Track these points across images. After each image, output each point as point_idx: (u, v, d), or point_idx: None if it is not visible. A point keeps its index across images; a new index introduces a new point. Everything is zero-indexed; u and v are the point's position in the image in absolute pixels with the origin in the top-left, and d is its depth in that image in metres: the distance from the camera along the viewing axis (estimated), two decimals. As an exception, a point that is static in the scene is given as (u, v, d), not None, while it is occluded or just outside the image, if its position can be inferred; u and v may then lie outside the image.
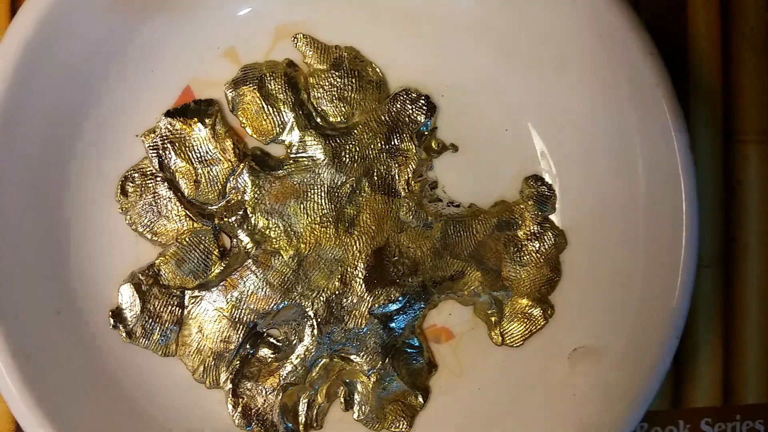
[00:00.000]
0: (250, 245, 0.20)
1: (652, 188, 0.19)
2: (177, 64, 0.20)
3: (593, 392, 0.19)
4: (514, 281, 0.21)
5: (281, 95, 0.20)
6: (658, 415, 0.25)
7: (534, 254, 0.21)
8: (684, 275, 0.18)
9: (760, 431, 0.26)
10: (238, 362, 0.20)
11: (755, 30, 0.25)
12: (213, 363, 0.20)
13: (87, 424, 0.18)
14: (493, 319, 0.21)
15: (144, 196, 0.20)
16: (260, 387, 0.20)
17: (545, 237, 0.21)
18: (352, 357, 0.20)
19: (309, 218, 0.20)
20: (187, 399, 0.20)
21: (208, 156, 0.20)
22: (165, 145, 0.20)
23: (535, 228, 0.21)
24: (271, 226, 0.20)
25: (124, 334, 0.19)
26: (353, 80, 0.21)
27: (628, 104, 0.19)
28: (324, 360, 0.20)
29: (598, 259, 0.20)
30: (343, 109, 0.21)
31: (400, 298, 0.20)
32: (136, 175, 0.20)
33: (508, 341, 0.21)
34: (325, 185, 0.20)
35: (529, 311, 0.21)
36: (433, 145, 0.21)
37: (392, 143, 0.21)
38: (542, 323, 0.21)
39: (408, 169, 0.21)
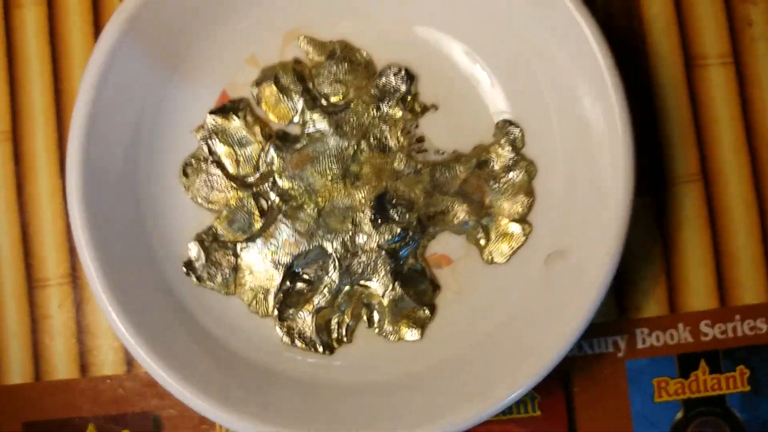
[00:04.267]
0: (280, 204, 0.26)
1: (593, 115, 0.23)
2: (214, 75, 0.26)
3: (565, 282, 0.23)
4: (495, 208, 0.25)
5: (292, 86, 0.26)
6: (658, 320, 0.27)
7: (510, 183, 0.25)
8: (622, 183, 0.22)
9: (762, 329, 0.27)
10: (281, 295, 0.25)
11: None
12: (262, 297, 0.25)
13: (175, 348, 0.24)
14: (482, 242, 0.25)
15: (199, 175, 0.26)
16: (299, 312, 0.25)
17: (518, 167, 0.25)
18: (368, 283, 0.25)
19: (323, 178, 0.26)
20: (246, 326, 0.25)
21: (243, 140, 0.26)
22: (211, 136, 0.26)
23: (509, 162, 0.25)
24: (294, 187, 0.26)
25: (194, 279, 0.25)
26: (345, 65, 0.26)
27: (565, 50, 0.23)
28: (347, 287, 0.25)
29: (560, 179, 0.24)
30: (340, 89, 0.26)
31: (401, 232, 0.25)
32: (193, 160, 0.26)
33: (496, 259, 0.25)
34: (333, 151, 0.26)
35: (511, 231, 0.25)
36: (416, 107, 0.26)
37: (382, 110, 0.26)
38: (523, 239, 0.25)
39: (397, 129, 0.26)
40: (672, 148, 0.27)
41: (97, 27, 0.28)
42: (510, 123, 0.25)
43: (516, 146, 0.25)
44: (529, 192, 0.25)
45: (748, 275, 0.27)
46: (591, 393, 0.27)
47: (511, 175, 0.25)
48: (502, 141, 0.25)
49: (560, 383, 0.27)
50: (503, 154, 0.25)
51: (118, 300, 0.22)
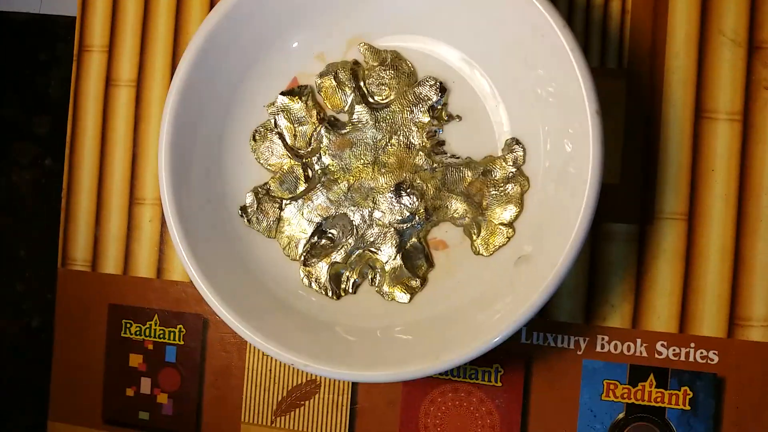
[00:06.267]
0: (321, 175, 0.32)
1: (574, 149, 0.27)
2: (289, 64, 0.32)
3: (525, 281, 0.27)
4: (490, 211, 0.30)
5: (347, 82, 0.32)
6: (619, 331, 0.30)
7: (505, 193, 0.30)
8: (583, 214, 0.26)
9: (714, 360, 0.30)
10: (309, 246, 0.32)
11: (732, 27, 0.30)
12: (294, 245, 0.32)
13: (224, 276, 0.30)
14: (473, 236, 0.30)
15: (264, 142, 0.33)
16: (320, 262, 0.32)
17: (515, 181, 0.30)
18: (376, 251, 0.31)
19: (357, 161, 0.32)
20: (280, 266, 0.32)
21: (302, 120, 0.32)
22: (278, 112, 0.33)
23: (509, 175, 0.30)
24: (334, 164, 0.32)
25: (246, 221, 0.32)
26: (392, 72, 0.31)
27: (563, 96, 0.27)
28: (359, 251, 0.31)
29: (541, 196, 0.29)
30: (384, 90, 0.32)
31: (409, 216, 0.31)
32: (262, 129, 0.33)
33: (482, 252, 0.30)
34: (369, 140, 0.31)
35: (498, 232, 0.30)
36: (443, 115, 0.31)
37: (414, 114, 0.31)
38: (505, 240, 0.30)
39: (423, 131, 0.31)
40: (666, 186, 0.30)
41: (212, 5, 0.35)
42: (517, 142, 0.30)
43: (517, 163, 0.30)
44: (519, 203, 0.30)
45: (710, 311, 0.30)
46: (547, 379, 0.31)
47: (508, 186, 0.30)
48: (507, 156, 0.30)
49: (522, 365, 0.31)
50: (505, 168, 0.30)
51: (185, 231, 0.29)
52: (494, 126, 0.30)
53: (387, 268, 0.31)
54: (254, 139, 0.33)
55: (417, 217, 0.31)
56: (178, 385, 0.35)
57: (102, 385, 0.36)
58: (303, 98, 0.32)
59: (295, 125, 0.32)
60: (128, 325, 0.36)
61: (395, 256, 0.31)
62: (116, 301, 0.36)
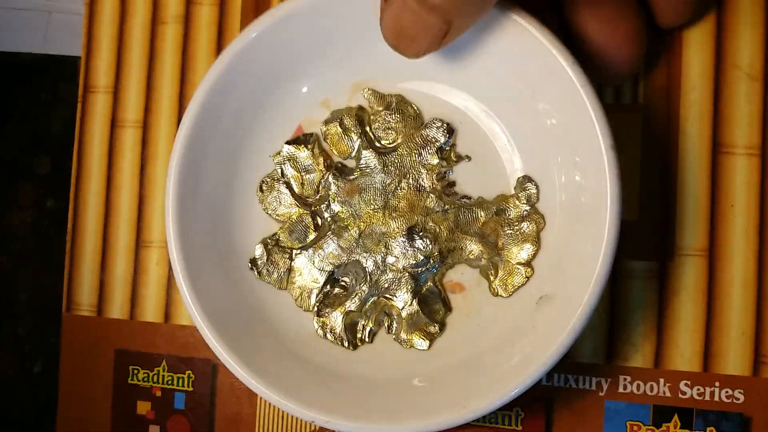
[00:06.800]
0: (331, 223, 0.31)
1: (589, 184, 0.27)
2: (294, 111, 0.32)
3: (548, 322, 0.27)
4: (506, 251, 0.30)
5: (352, 128, 0.32)
6: (641, 371, 0.29)
7: (521, 231, 0.29)
8: (604, 249, 0.25)
9: (739, 399, 0.29)
10: (322, 296, 0.31)
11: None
12: (307, 295, 0.31)
13: (235, 328, 0.30)
14: (491, 277, 0.30)
15: (272, 192, 0.32)
16: (334, 312, 0.31)
17: (529, 219, 0.29)
18: (391, 297, 0.31)
19: (367, 206, 0.31)
20: (293, 318, 0.31)
21: (309, 168, 0.32)
22: (285, 162, 0.32)
23: (523, 213, 0.29)
24: (343, 211, 0.31)
25: (256, 274, 0.32)
26: (398, 116, 0.31)
27: (574, 128, 0.27)
28: (374, 298, 0.31)
29: (559, 235, 0.28)
30: (391, 134, 0.31)
31: (423, 260, 0.30)
32: (268, 179, 0.32)
33: (500, 293, 0.29)
34: (378, 185, 0.31)
35: (516, 271, 0.29)
36: (452, 156, 0.31)
37: (423, 156, 0.31)
38: (525, 280, 0.29)
39: (433, 173, 0.31)
40: (685, 222, 0.30)
41: (219, 49, 0.35)
42: (529, 179, 0.29)
43: (531, 201, 0.29)
44: (536, 241, 0.29)
45: (735, 348, 0.29)
46: (569, 422, 0.30)
47: (523, 225, 0.29)
48: (520, 194, 0.29)
49: (543, 408, 0.31)
50: (519, 206, 0.29)
51: (192, 283, 0.29)
52: (505, 164, 0.30)
53: (404, 314, 0.30)
54: (261, 190, 0.32)
55: (431, 260, 0.30)
56: (188, 433, 0.34)
57: (109, 435, 0.34)
58: (309, 146, 0.32)
59: (302, 174, 0.32)
60: (135, 371, 0.35)
61: (411, 302, 0.30)
62: (123, 347, 0.35)
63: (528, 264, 0.29)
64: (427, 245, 0.30)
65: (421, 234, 0.30)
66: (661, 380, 0.29)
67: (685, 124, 0.30)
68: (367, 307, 0.31)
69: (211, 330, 0.28)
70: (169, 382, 0.34)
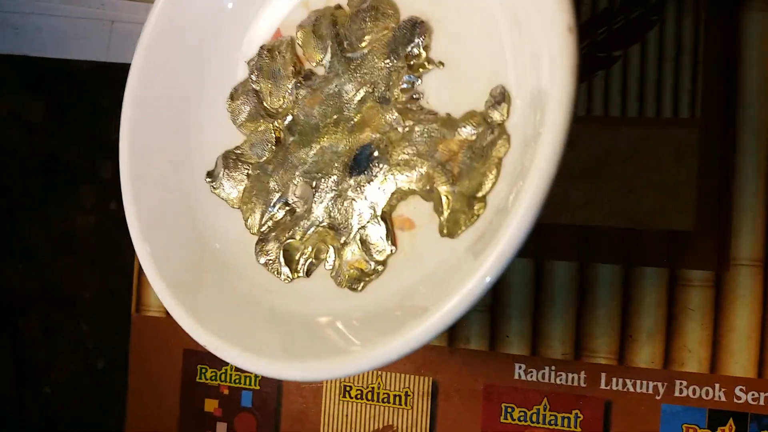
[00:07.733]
0: (288, 137, 0.27)
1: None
2: (273, 14, 0.29)
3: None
4: (462, 181, 0.23)
5: (325, 31, 0.27)
6: (697, 376, 0.30)
7: (482, 157, 0.23)
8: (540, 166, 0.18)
9: None
10: (269, 220, 0.28)
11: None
12: (257, 217, 0.28)
13: (171, 246, 0.27)
14: (441, 214, 0.23)
15: (241, 100, 0.29)
16: (277, 237, 0.27)
17: (495, 142, 0.22)
18: (335, 228, 0.26)
19: (326, 119, 0.27)
20: (242, 241, 0.28)
21: (279, 75, 0.28)
22: (258, 67, 0.29)
23: (490, 136, 0.23)
24: (302, 123, 0.27)
25: (211, 187, 0.29)
26: (372, 13, 0.26)
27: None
28: (316, 227, 0.26)
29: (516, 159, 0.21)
30: (364, 35, 0.26)
31: (371, 185, 0.25)
32: (240, 88, 0.29)
33: (448, 233, 0.23)
34: (341, 96, 0.26)
35: (468, 208, 0.23)
36: (423, 61, 0.25)
37: (392, 60, 0.25)
38: (475, 219, 0.22)
39: (399, 82, 0.25)
40: (741, 234, 0.30)
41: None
42: (501, 89, 0.23)
43: (499, 116, 0.22)
44: (497, 169, 0.22)
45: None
46: (627, 424, 0.30)
47: (487, 149, 0.23)
48: (489, 111, 0.23)
49: (601, 410, 0.31)
50: (486, 125, 0.23)
51: (136, 192, 0.27)
52: (480, 75, 0.23)
53: (344, 249, 0.25)
54: (231, 98, 0.29)
55: (381, 188, 0.25)
56: (254, 430, 0.34)
57: (177, 431, 0.36)
58: (280, 51, 0.28)
59: (271, 82, 0.28)
60: (203, 371, 0.35)
61: (354, 235, 0.25)
62: (191, 347, 0.35)
63: (482, 199, 0.22)
64: (378, 170, 0.25)
65: (375, 155, 0.25)
66: (717, 385, 0.30)
67: (741, 138, 0.30)
68: (308, 236, 0.26)
69: (139, 230, 0.26)
70: (237, 380, 0.35)
